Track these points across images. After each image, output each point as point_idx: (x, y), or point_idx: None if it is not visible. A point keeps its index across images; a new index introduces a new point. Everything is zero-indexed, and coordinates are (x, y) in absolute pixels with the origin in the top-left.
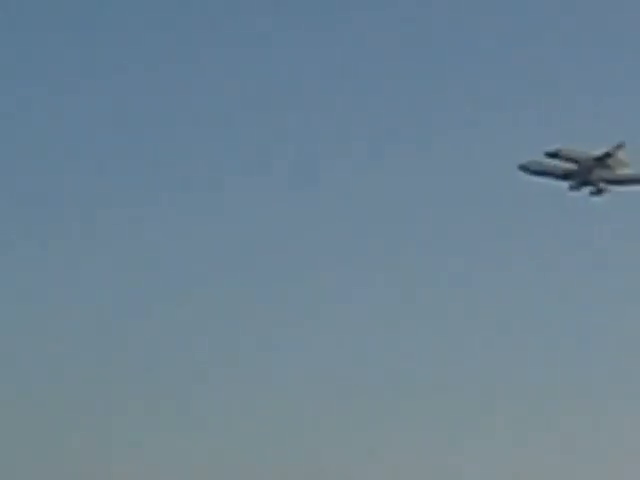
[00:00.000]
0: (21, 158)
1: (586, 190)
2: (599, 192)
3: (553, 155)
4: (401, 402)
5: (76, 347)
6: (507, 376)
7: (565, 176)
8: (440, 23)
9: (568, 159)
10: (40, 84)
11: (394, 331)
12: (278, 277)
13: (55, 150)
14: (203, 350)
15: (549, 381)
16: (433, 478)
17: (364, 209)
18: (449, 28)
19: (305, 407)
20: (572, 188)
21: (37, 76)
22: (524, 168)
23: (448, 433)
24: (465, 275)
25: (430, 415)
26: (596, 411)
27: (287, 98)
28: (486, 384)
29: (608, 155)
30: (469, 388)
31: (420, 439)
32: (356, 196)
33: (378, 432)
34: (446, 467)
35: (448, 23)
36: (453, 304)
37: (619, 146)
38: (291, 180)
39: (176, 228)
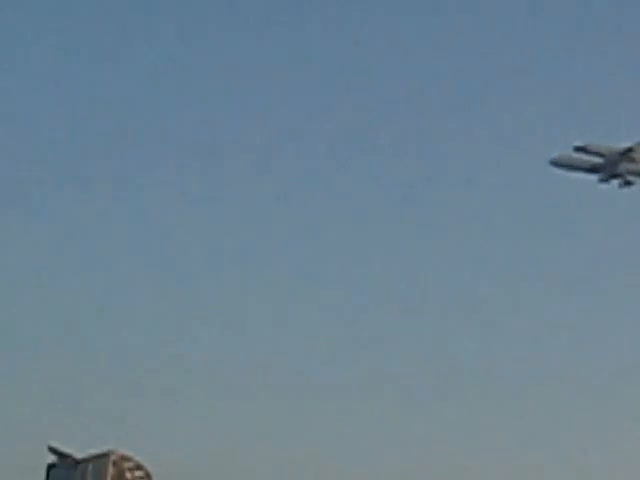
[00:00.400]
0: None
1: (615, 182)
2: (628, 184)
3: (581, 149)
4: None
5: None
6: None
7: (593, 170)
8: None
9: (595, 153)
10: None
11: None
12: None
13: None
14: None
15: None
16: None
17: (383, 204)
18: (472, 21)
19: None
20: (601, 181)
21: None
22: (555, 163)
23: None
24: (501, 269)
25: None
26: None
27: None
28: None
29: (631, 149)
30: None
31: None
32: (378, 192)
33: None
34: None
35: (470, 17)
36: (482, 298)
37: None
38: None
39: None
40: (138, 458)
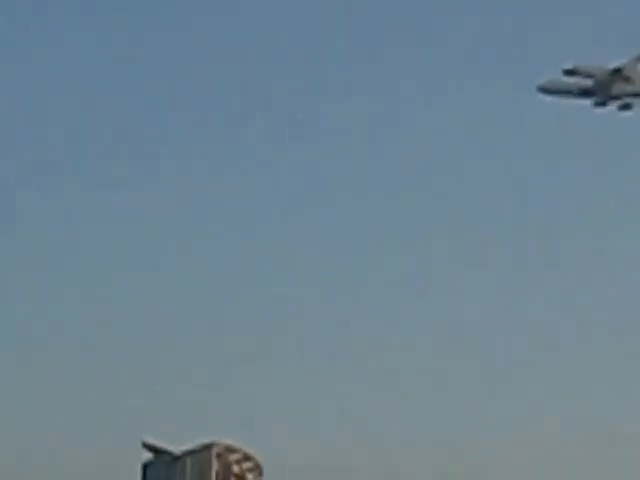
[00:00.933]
0: None
1: (613, 106)
2: (627, 107)
3: (570, 72)
4: None
5: None
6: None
7: (584, 93)
8: None
9: (585, 75)
10: None
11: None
12: None
13: None
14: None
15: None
16: None
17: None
18: None
19: None
20: (597, 105)
21: None
22: (543, 89)
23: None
24: (499, 204)
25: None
26: None
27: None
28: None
29: (621, 68)
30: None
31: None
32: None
33: None
34: None
35: None
36: (479, 236)
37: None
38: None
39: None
40: (245, 448)
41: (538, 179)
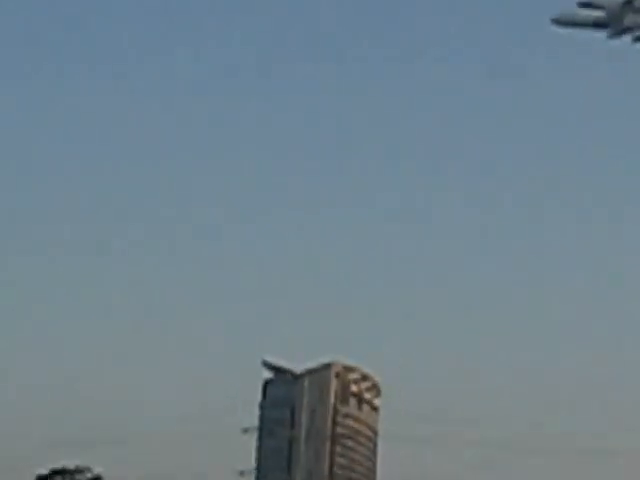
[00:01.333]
0: None
1: (628, 38)
2: None
3: (585, 5)
4: None
5: None
6: None
7: (598, 25)
8: None
9: (598, 7)
10: None
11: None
12: None
13: None
14: None
15: None
16: None
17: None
18: None
19: None
20: (611, 36)
21: None
22: (557, 21)
23: None
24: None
25: None
26: None
27: None
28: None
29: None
30: None
31: None
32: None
33: None
34: None
35: None
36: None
37: None
38: None
39: None
40: (364, 368)
41: (556, 110)
